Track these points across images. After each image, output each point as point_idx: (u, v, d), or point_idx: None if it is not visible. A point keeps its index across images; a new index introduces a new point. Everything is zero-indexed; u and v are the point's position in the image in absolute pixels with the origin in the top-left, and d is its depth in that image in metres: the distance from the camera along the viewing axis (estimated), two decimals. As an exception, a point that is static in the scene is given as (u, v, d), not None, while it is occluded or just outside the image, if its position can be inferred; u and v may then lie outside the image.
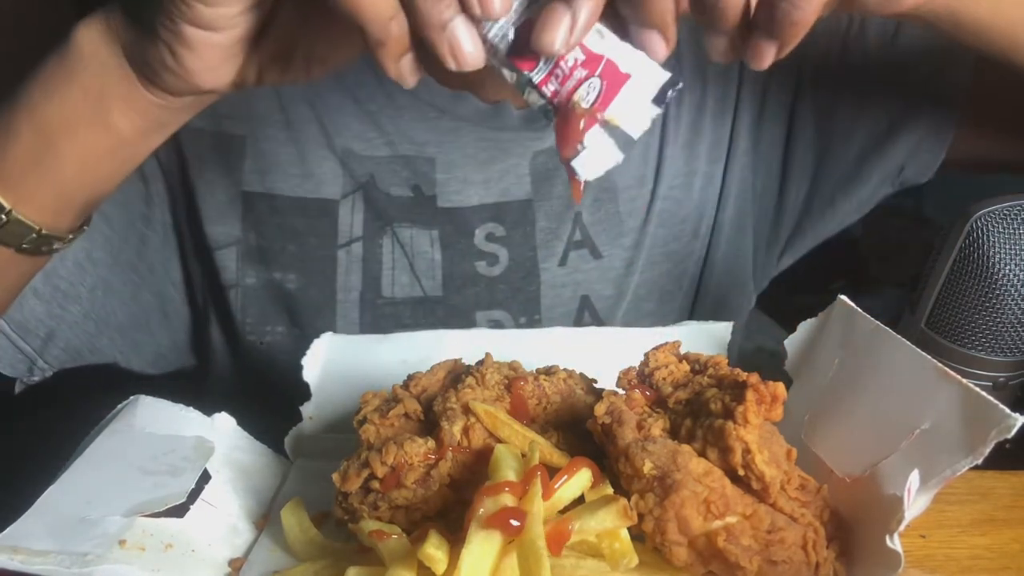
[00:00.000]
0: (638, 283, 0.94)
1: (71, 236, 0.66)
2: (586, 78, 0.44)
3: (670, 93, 0.44)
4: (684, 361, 0.58)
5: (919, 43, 0.85)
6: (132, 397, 0.62)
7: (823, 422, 0.58)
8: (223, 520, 0.59)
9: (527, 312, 0.92)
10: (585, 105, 0.44)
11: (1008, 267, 0.65)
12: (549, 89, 0.45)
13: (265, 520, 0.61)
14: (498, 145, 0.90)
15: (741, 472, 0.49)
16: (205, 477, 0.59)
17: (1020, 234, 0.65)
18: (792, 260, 1.02)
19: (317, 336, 0.70)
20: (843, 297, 0.60)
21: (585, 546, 0.48)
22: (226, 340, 0.96)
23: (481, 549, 0.45)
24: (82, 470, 0.55)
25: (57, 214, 0.64)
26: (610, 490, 0.50)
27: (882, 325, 0.56)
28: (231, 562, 0.57)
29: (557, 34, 0.44)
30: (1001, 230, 0.66)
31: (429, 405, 0.59)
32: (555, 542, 0.46)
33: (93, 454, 0.56)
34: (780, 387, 0.51)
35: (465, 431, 0.55)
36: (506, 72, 0.46)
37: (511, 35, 0.44)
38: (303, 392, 0.69)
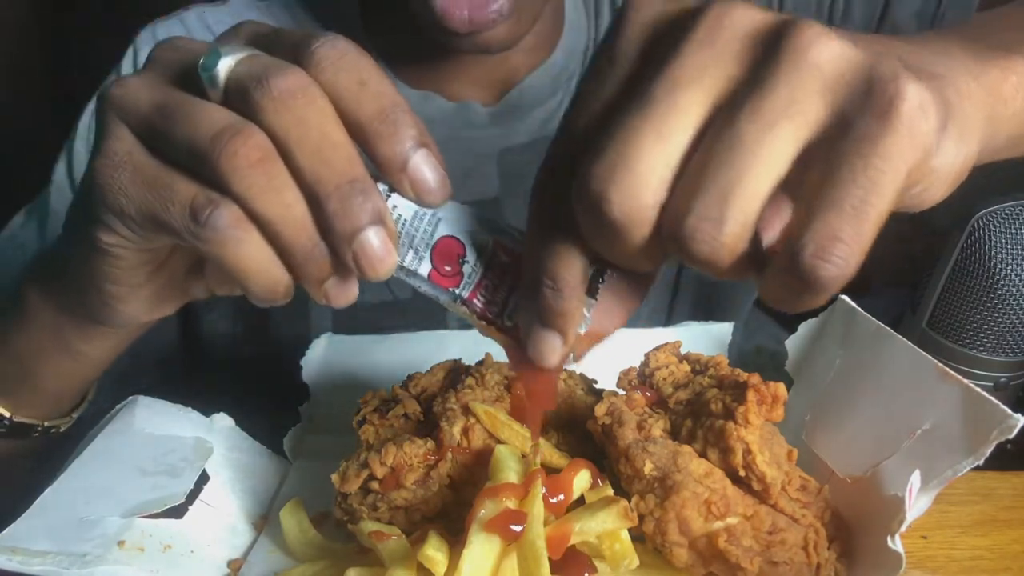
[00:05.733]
0: None
1: (74, 415, 0.67)
2: (514, 285, 0.42)
3: (601, 281, 0.42)
4: (684, 361, 0.58)
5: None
6: (131, 397, 0.62)
7: (824, 423, 0.57)
8: (222, 521, 0.59)
9: None
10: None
11: (1010, 267, 0.65)
12: (480, 302, 0.42)
13: (264, 521, 0.61)
14: (465, 144, 0.90)
15: (742, 473, 0.49)
16: (204, 478, 0.59)
17: (1022, 234, 0.65)
18: None
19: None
20: (844, 297, 0.60)
21: (586, 547, 0.48)
22: (223, 340, 0.96)
23: (482, 551, 0.45)
24: (81, 470, 0.55)
25: (55, 409, 0.65)
26: (610, 491, 0.50)
27: (883, 325, 0.56)
28: (230, 563, 0.57)
29: (555, 355, 0.42)
30: (1003, 230, 0.66)
31: (429, 405, 0.58)
32: (556, 544, 0.46)
33: (92, 454, 0.56)
34: (781, 387, 0.51)
35: (465, 432, 0.55)
36: (432, 294, 0.43)
37: (426, 259, 0.42)
38: (302, 392, 0.69)
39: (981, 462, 0.46)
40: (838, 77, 0.33)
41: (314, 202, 0.39)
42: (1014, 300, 0.65)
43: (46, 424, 0.65)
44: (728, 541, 0.46)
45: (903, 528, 0.46)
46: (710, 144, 0.34)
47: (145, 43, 0.90)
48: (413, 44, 0.88)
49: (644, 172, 0.34)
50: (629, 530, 0.47)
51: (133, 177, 0.41)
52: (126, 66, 0.90)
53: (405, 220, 0.41)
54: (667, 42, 0.36)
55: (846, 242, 0.33)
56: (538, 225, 0.41)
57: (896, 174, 0.33)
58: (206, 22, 0.91)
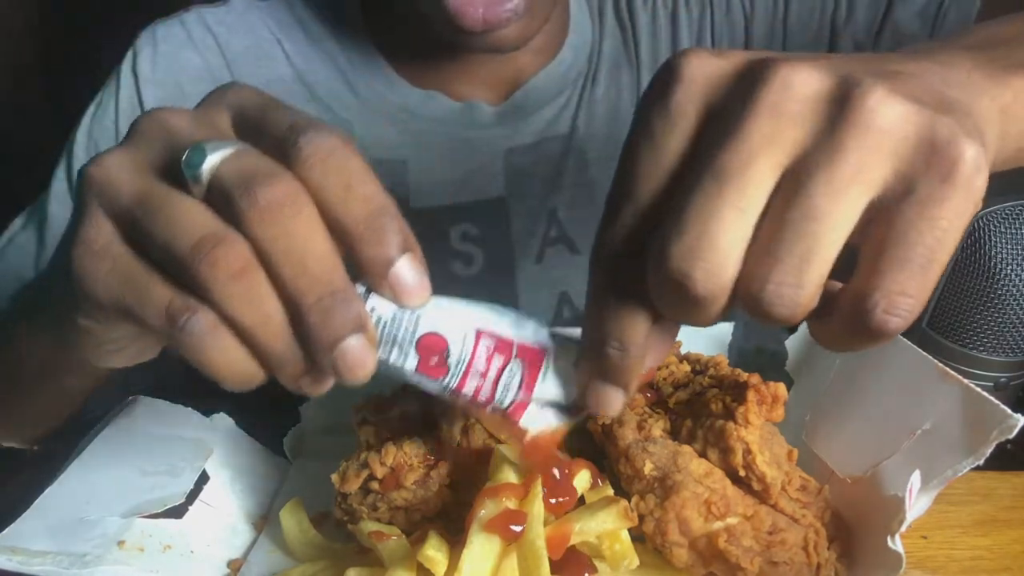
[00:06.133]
0: None
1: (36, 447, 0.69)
2: (504, 365, 0.43)
3: None
4: (684, 361, 0.58)
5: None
6: (131, 397, 0.62)
7: (824, 423, 0.57)
8: (222, 521, 0.59)
9: None
10: (511, 396, 0.43)
11: (1010, 267, 0.65)
12: (471, 388, 0.43)
13: (264, 521, 0.61)
14: (470, 144, 0.90)
15: (742, 473, 0.49)
16: (204, 478, 0.59)
17: (1022, 234, 0.65)
18: None
19: None
20: (844, 297, 0.60)
21: (586, 547, 0.48)
22: None
23: (482, 551, 0.44)
24: (81, 470, 0.55)
25: (36, 434, 0.67)
26: (610, 491, 0.50)
27: (883, 325, 0.56)
28: (230, 563, 0.57)
29: (618, 407, 0.43)
30: (1003, 230, 0.66)
31: (429, 406, 0.58)
32: (556, 544, 0.46)
33: (92, 454, 0.56)
34: (781, 387, 0.51)
35: (465, 431, 0.55)
36: (423, 386, 0.43)
37: (411, 355, 0.42)
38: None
39: (981, 462, 0.46)
40: (903, 140, 0.34)
41: (294, 311, 0.38)
42: (1014, 300, 0.65)
43: (36, 448, 0.66)
44: (728, 541, 0.46)
45: (903, 528, 0.46)
46: (783, 212, 0.35)
47: (145, 45, 0.90)
48: (417, 43, 0.88)
49: (725, 248, 0.35)
50: (629, 530, 0.47)
51: (110, 271, 0.40)
52: (126, 69, 0.90)
53: (385, 321, 0.41)
54: (730, 106, 0.36)
55: (914, 297, 0.34)
56: (601, 288, 0.41)
57: (959, 230, 0.34)
58: (206, 23, 0.91)
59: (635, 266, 0.38)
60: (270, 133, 0.40)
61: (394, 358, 0.42)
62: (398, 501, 0.54)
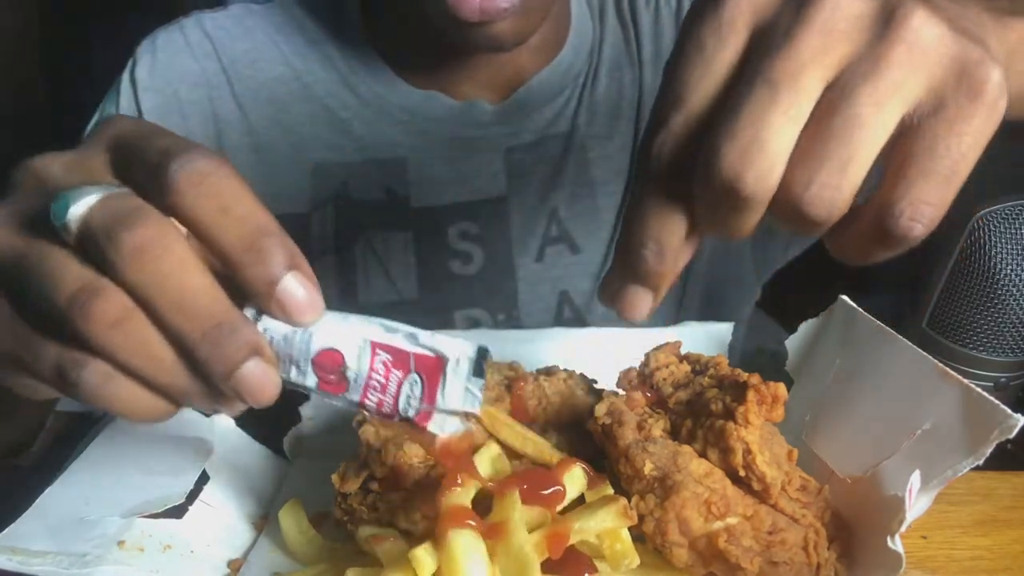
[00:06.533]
0: None
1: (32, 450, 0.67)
2: (404, 378, 0.43)
3: (489, 358, 0.44)
4: (685, 362, 0.58)
5: None
6: (131, 397, 0.62)
7: (824, 423, 0.57)
8: (222, 521, 0.59)
9: (505, 309, 0.92)
10: (414, 405, 0.44)
11: (1009, 267, 0.65)
12: (373, 401, 0.43)
13: (264, 521, 0.61)
14: (470, 143, 0.90)
15: (742, 473, 0.49)
16: (204, 478, 0.59)
17: (1021, 234, 0.65)
18: (801, 250, 1.00)
19: None
20: (844, 297, 0.60)
21: (586, 547, 0.48)
22: None
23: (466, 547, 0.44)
24: (81, 470, 0.55)
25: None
26: (610, 490, 0.50)
27: (883, 325, 0.56)
28: (230, 563, 0.57)
29: (645, 311, 0.45)
30: (1003, 230, 0.66)
31: (429, 405, 0.58)
32: (555, 543, 0.46)
33: (92, 454, 0.56)
34: (781, 387, 0.51)
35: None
36: (327, 401, 0.44)
37: (310, 373, 0.42)
38: (302, 392, 0.69)
39: (981, 462, 0.46)
40: (939, 59, 0.37)
41: (183, 349, 0.38)
42: (1014, 300, 0.65)
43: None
44: (728, 541, 0.46)
45: (903, 528, 0.46)
46: (828, 120, 0.37)
47: (145, 52, 0.91)
48: (418, 44, 0.89)
49: (775, 152, 0.37)
50: (629, 530, 0.47)
51: (2, 334, 0.40)
52: (126, 77, 0.91)
53: (278, 341, 0.41)
54: (780, 23, 0.38)
55: (936, 206, 0.38)
56: (644, 194, 0.43)
57: (980, 148, 0.38)
58: (204, 28, 0.91)
59: (679, 173, 0.40)
60: (145, 162, 0.39)
61: (294, 376, 0.42)
62: (398, 501, 0.54)
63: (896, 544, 0.46)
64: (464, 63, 0.89)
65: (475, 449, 0.53)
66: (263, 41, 0.92)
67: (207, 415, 0.63)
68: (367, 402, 0.43)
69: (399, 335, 0.43)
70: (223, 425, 0.64)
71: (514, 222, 0.91)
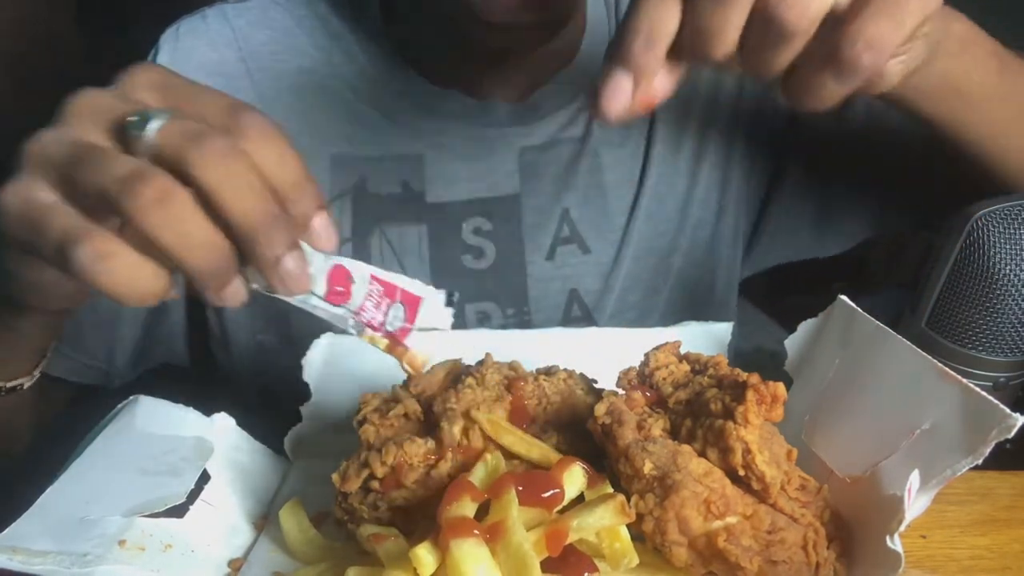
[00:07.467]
0: (624, 277, 0.95)
1: (36, 373, 0.70)
2: (391, 303, 0.55)
3: (454, 298, 0.57)
4: (684, 361, 0.58)
5: None
6: (132, 397, 0.62)
7: (823, 422, 0.57)
8: (223, 520, 0.59)
9: (515, 304, 0.93)
10: (396, 325, 0.56)
11: (1009, 267, 0.65)
12: (366, 316, 0.54)
13: (265, 520, 0.61)
14: (486, 141, 0.91)
15: (741, 472, 0.49)
16: (204, 477, 0.59)
17: (1021, 234, 0.65)
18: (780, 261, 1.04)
19: (307, 337, 0.70)
20: (843, 297, 0.60)
21: (586, 546, 0.48)
22: (224, 340, 0.96)
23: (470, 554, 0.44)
24: (82, 470, 0.55)
25: (13, 371, 0.68)
26: (609, 490, 0.50)
27: (882, 325, 0.56)
28: (231, 562, 0.57)
29: (623, 99, 0.50)
30: (1002, 230, 0.66)
31: (429, 406, 0.58)
32: (554, 541, 0.46)
33: (93, 454, 0.56)
34: (780, 387, 0.51)
35: (465, 432, 0.55)
36: (327, 311, 0.53)
37: (321, 282, 0.52)
38: (303, 392, 0.69)
39: (980, 462, 0.46)
40: None
41: (240, 233, 0.44)
42: (1013, 300, 0.65)
43: (9, 384, 0.67)
44: (727, 540, 0.46)
45: (902, 528, 0.46)
46: None
47: (167, 40, 0.91)
48: (439, 43, 0.89)
49: None
50: (629, 529, 0.47)
51: (23, 206, 0.45)
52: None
53: (306, 254, 0.50)
54: None
55: (886, 38, 0.46)
56: None
57: (922, 2, 0.47)
58: (226, 17, 0.92)
59: None
60: (208, 106, 0.47)
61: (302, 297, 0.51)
62: (398, 501, 0.54)
63: (895, 543, 0.46)
64: (484, 63, 0.89)
65: (476, 455, 0.53)
66: (285, 33, 0.92)
67: (207, 416, 0.63)
68: (363, 313, 0.54)
69: (391, 274, 0.55)
70: (223, 425, 0.64)
71: (526, 221, 0.92)
